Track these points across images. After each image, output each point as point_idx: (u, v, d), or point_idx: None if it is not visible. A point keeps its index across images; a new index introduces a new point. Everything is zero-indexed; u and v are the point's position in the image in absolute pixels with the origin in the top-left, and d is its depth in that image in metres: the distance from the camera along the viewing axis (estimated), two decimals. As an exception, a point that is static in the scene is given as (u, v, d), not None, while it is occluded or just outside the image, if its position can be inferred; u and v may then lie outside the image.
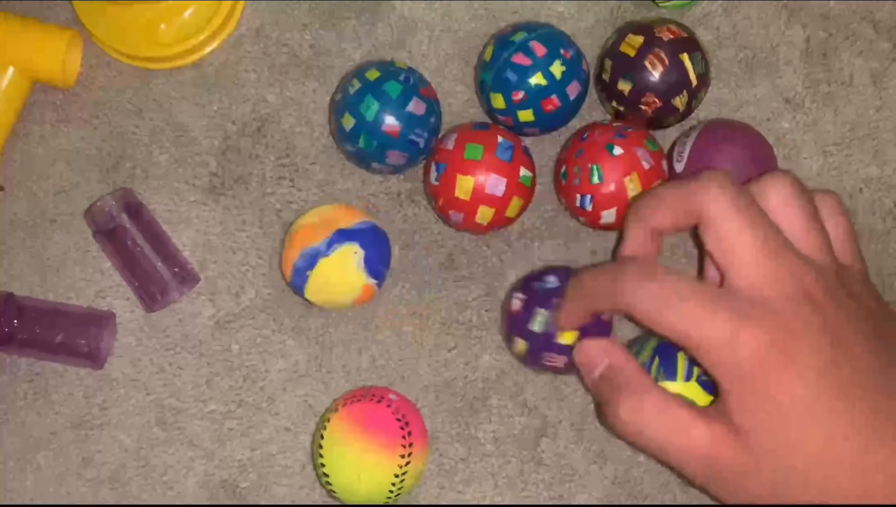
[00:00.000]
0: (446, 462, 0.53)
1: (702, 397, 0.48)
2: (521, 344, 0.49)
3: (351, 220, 0.50)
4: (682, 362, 0.48)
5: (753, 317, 0.39)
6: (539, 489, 0.53)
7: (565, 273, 0.49)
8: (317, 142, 0.55)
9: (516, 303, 0.50)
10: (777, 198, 0.42)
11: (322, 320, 0.54)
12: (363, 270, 0.49)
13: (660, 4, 0.53)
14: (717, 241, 0.41)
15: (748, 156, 0.50)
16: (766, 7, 0.55)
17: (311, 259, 0.49)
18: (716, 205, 0.41)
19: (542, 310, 0.48)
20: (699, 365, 0.43)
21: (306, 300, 0.51)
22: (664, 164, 0.50)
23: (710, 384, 0.48)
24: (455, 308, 0.54)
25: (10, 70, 0.51)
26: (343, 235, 0.49)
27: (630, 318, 0.43)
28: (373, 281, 0.50)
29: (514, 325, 0.49)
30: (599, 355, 0.44)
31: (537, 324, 0.48)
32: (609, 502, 0.52)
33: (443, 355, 0.54)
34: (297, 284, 0.50)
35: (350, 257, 0.49)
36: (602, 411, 0.44)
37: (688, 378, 0.48)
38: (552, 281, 0.49)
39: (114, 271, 0.53)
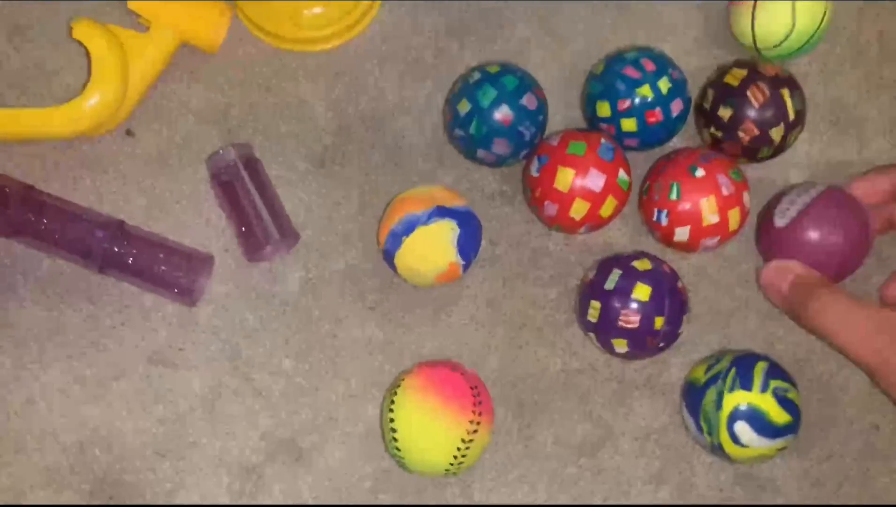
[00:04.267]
0: (503, 458, 0.54)
1: (775, 409, 0.48)
2: (595, 307, 0.50)
3: (452, 200, 0.53)
4: (758, 374, 0.49)
5: None
6: (593, 499, 0.53)
7: (634, 254, 0.52)
8: (425, 138, 0.58)
9: (591, 274, 0.52)
10: None
11: (402, 298, 0.56)
12: (455, 247, 0.52)
13: (763, 55, 0.57)
14: None
15: (856, 232, 0.51)
16: (859, 75, 0.59)
17: (410, 226, 0.51)
18: None
19: (617, 270, 0.50)
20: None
21: (394, 268, 0.53)
22: (746, 196, 0.52)
23: (785, 399, 0.49)
24: (531, 306, 0.56)
25: (168, 31, 0.57)
26: (444, 211, 0.52)
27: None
28: (461, 261, 0.52)
29: (588, 292, 0.51)
30: (783, 273, 0.52)
31: (611, 282, 0.50)
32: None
33: (513, 351, 0.55)
34: (390, 249, 0.52)
35: (447, 231, 0.51)
36: (795, 315, 0.51)
37: (763, 390, 0.48)
38: (623, 255, 0.52)
39: (218, 221, 0.57)
